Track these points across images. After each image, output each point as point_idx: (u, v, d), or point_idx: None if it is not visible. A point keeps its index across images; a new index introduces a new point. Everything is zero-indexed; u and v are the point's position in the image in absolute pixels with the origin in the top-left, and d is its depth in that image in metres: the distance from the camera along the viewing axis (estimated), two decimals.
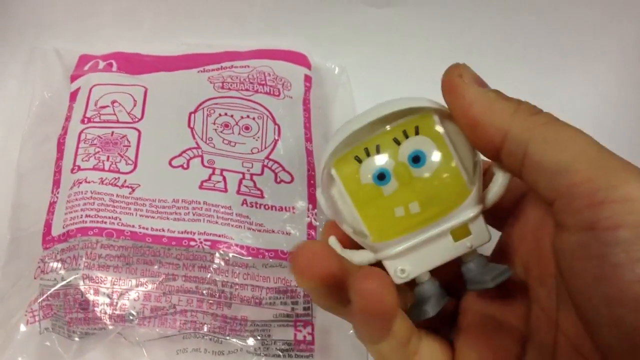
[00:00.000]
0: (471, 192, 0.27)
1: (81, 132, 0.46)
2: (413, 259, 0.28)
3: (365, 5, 0.55)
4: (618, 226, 0.22)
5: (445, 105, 0.28)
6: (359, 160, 0.27)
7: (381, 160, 0.27)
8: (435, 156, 0.27)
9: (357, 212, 0.28)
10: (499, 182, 0.28)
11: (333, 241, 0.29)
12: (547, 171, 0.25)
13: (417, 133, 0.27)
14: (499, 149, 0.26)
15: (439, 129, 0.27)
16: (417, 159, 0.27)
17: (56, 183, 0.44)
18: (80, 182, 0.43)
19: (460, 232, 0.28)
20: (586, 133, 0.25)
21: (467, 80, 0.27)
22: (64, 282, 0.40)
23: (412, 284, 0.29)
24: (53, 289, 0.40)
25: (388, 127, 0.27)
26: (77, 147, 0.45)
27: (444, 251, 0.28)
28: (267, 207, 0.44)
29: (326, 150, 0.28)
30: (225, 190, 0.44)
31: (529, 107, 0.26)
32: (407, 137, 0.27)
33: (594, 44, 0.55)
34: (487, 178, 0.29)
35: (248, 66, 0.51)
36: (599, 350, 0.25)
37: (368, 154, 0.27)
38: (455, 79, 0.27)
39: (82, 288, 0.40)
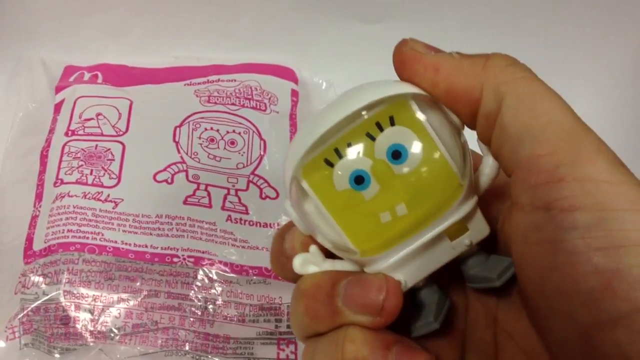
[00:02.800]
0: (463, 184, 0.24)
1: (65, 145, 0.45)
2: (409, 268, 0.25)
3: (355, 21, 0.55)
4: (576, 208, 0.20)
5: (422, 89, 0.24)
6: (331, 164, 0.23)
7: (356, 160, 0.23)
8: (417, 148, 0.23)
9: (338, 225, 0.24)
10: (490, 163, 0.25)
11: (315, 251, 0.25)
12: (513, 135, 0.22)
13: (392, 124, 0.23)
14: (475, 110, 0.23)
15: (418, 116, 0.23)
16: (397, 154, 0.23)
17: (38, 196, 0.44)
18: (63, 196, 0.43)
19: (456, 230, 0.24)
20: (564, 100, 0.22)
21: (421, 50, 0.24)
22: (45, 298, 0.40)
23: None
24: (34, 305, 0.40)
25: (358, 120, 0.23)
26: (61, 160, 0.45)
27: (441, 254, 0.25)
28: (251, 223, 0.44)
29: (290, 158, 0.24)
30: (210, 206, 0.44)
31: (503, 57, 0.23)
32: (381, 130, 0.23)
33: (582, 62, 0.56)
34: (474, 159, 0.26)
35: (235, 80, 0.51)
36: (549, 348, 0.23)
37: (340, 156, 0.23)
38: (408, 51, 0.24)
39: (63, 304, 0.40)
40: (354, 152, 0.23)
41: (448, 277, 0.27)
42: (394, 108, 0.23)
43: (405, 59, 0.24)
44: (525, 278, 0.22)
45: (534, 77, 0.23)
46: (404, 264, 0.24)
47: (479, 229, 0.25)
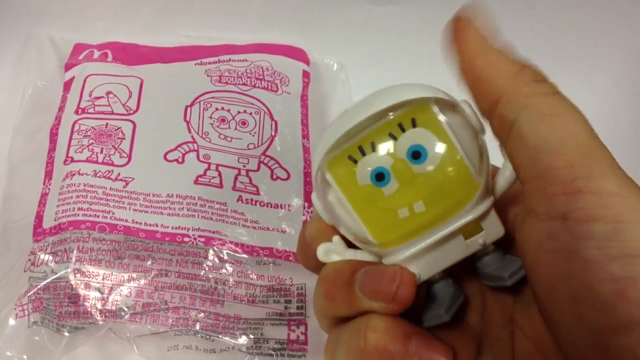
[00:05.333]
0: (479, 185, 0.25)
1: (75, 122, 0.45)
2: (423, 261, 0.26)
3: (367, 2, 0.54)
4: (592, 219, 0.21)
5: (444, 93, 0.25)
6: (354, 161, 0.25)
7: (378, 158, 0.25)
8: (437, 149, 0.24)
9: (358, 217, 0.25)
10: (510, 167, 0.25)
11: (337, 241, 0.27)
12: (531, 146, 0.23)
13: (414, 125, 0.24)
14: (493, 109, 0.24)
15: (439, 118, 0.24)
16: (417, 155, 0.25)
17: (48, 174, 0.44)
18: (73, 174, 0.42)
19: (471, 229, 0.26)
20: (583, 115, 0.23)
21: (477, 26, 0.25)
22: (54, 276, 0.39)
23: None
24: (43, 283, 0.39)
25: (382, 121, 0.25)
26: (70, 138, 0.44)
27: (456, 251, 0.26)
28: (262, 204, 0.44)
29: (317, 152, 0.26)
30: (221, 186, 0.43)
31: (533, 72, 0.24)
32: (403, 130, 0.24)
33: (594, 50, 0.55)
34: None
35: (246, 60, 0.51)
36: (562, 350, 0.23)
37: (363, 153, 0.25)
38: (466, 25, 0.25)
39: (72, 282, 0.39)
40: (377, 150, 0.25)
41: (468, 275, 0.28)
42: (417, 110, 0.25)
43: (459, 26, 0.25)
44: (538, 283, 0.23)
45: (556, 93, 0.24)
46: (419, 257, 0.26)
47: (493, 229, 0.26)
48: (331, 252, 0.27)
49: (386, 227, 0.25)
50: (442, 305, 0.26)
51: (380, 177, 0.25)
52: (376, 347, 0.24)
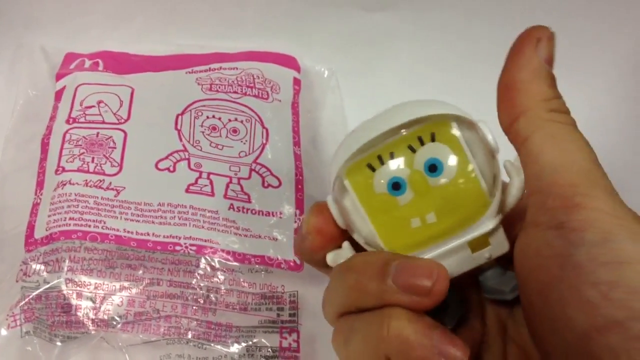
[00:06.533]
0: (491, 202, 0.26)
1: (66, 132, 0.45)
2: None
3: (358, 9, 0.54)
4: (585, 229, 0.23)
5: (464, 112, 0.27)
6: (373, 169, 0.26)
7: (396, 168, 0.26)
8: (453, 164, 0.26)
9: (371, 224, 0.26)
10: (516, 185, 0.27)
11: (347, 246, 0.28)
12: (537, 163, 0.25)
13: (433, 140, 0.26)
14: (513, 122, 0.26)
15: (457, 136, 0.26)
16: (433, 168, 0.26)
17: (40, 184, 0.44)
18: (64, 184, 0.42)
19: (478, 243, 0.27)
20: (591, 148, 0.25)
21: (538, 49, 0.26)
22: (46, 286, 0.40)
23: None
24: (35, 293, 0.39)
25: (402, 133, 0.26)
26: (62, 148, 0.44)
27: (462, 262, 0.27)
28: (254, 211, 0.44)
29: (338, 157, 0.27)
30: (212, 195, 0.44)
31: (559, 104, 0.26)
32: (422, 144, 0.26)
33: (587, 56, 0.55)
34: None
35: (237, 68, 0.51)
36: (545, 358, 0.25)
37: (382, 162, 0.26)
38: (531, 42, 0.26)
39: (65, 292, 0.39)
40: (395, 161, 0.26)
41: (470, 285, 0.29)
42: (437, 126, 0.26)
43: (524, 42, 0.27)
44: (533, 288, 0.25)
45: (572, 126, 0.26)
46: None
47: (499, 245, 0.27)
48: (340, 257, 0.28)
49: (398, 234, 0.27)
50: (444, 313, 0.27)
51: (396, 186, 0.26)
52: (399, 335, 0.25)
